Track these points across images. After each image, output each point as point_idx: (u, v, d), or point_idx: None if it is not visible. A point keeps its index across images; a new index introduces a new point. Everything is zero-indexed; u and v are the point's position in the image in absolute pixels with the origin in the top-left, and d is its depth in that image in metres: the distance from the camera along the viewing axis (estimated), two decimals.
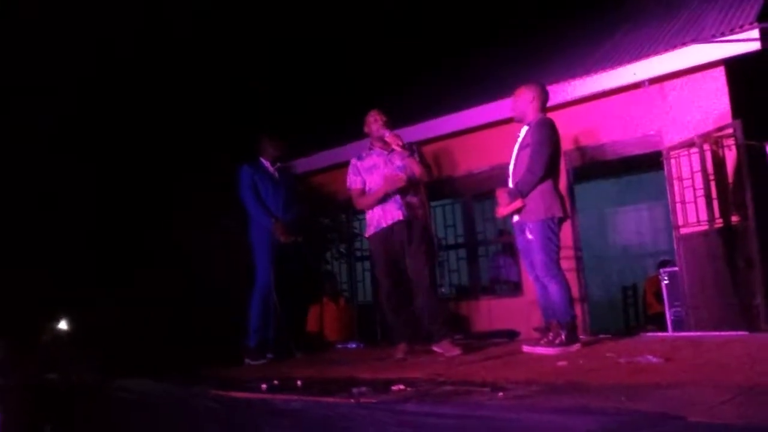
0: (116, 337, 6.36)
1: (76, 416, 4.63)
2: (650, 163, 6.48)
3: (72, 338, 6.60)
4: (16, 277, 7.05)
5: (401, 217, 4.62)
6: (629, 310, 8.60)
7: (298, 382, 3.56)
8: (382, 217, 4.71)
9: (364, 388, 3.16)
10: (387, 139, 4.70)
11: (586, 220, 8.32)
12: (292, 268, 5.57)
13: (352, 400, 2.93)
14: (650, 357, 3.31)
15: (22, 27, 8.00)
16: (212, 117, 9.64)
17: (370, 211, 4.81)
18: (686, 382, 2.68)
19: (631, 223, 9.66)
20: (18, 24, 7.89)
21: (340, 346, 6.32)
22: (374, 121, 4.84)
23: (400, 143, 4.63)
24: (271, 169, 5.64)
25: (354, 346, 6.16)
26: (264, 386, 3.48)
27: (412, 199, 4.68)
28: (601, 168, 7.59)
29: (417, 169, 4.65)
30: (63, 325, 6.37)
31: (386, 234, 4.68)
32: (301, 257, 5.69)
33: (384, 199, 4.68)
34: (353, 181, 4.89)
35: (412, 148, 4.77)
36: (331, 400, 3.02)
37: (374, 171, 4.79)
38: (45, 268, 7.37)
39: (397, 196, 4.66)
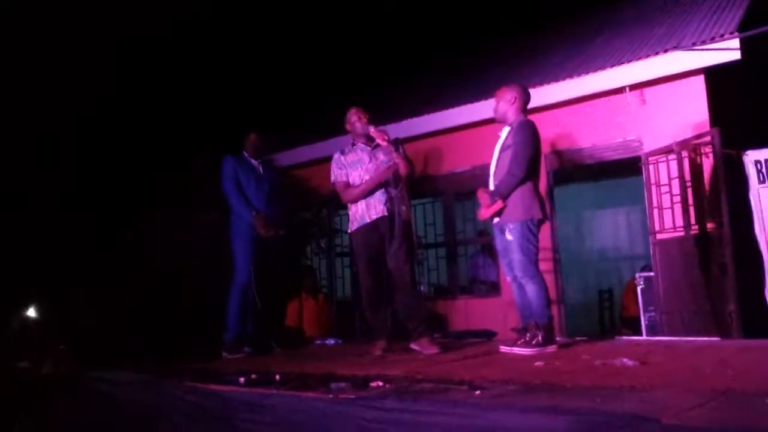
0: (88, 326, 6.30)
1: (48, 406, 4.58)
2: (629, 168, 6.56)
3: (42, 326, 6.51)
4: None
5: (385, 213, 4.64)
6: (605, 314, 8.69)
7: (277, 377, 3.56)
8: (365, 212, 4.72)
9: (342, 384, 3.17)
10: (373, 134, 4.70)
11: (565, 223, 8.41)
12: (271, 263, 5.55)
13: (331, 396, 2.94)
14: (625, 360, 3.36)
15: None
16: (192, 111, 9.58)
17: (353, 207, 4.81)
18: (660, 386, 2.72)
19: (608, 227, 9.75)
20: None
21: (318, 341, 6.31)
22: (357, 119, 4.85)
23: (386, 138, 4.65)
24: (254, 162, 5.62)
25: (332, 342, 6.15)
26: (242, 380, 3.48)
27: (396, 195, 4.69)
28: (580, 171, 7.67)
29: (402, 165, 4.66)
30: (32, 312, 6.27)
31: (369, 230, 4.69)
32: (281, 252, 5.67)
33: (370, 193, 4.69)
34: (338, 174, 4.88)
35: (397, 144, 4.79)
36: (309, 394, 3.03)
37: (359, 166, 4.80)
38: (14, 254, 7.27)
39: (382, 191, 4.67)
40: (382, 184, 4.67)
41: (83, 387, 4.29)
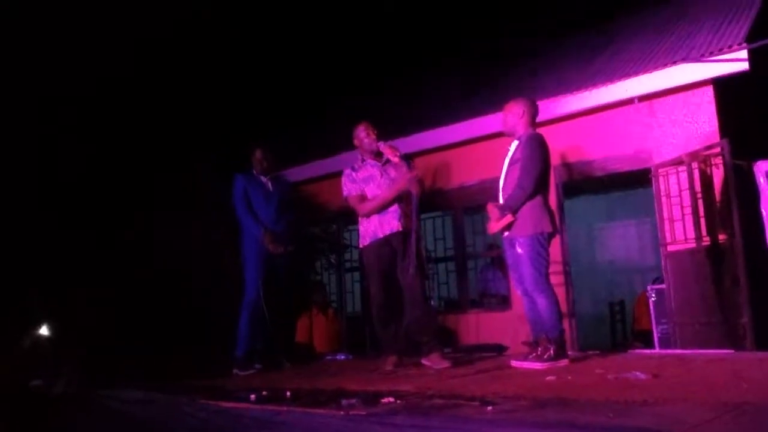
0: (100, 345, 6.31)
1: (61, 425, 4.59)
2: (639, 179, 6.54)
3: (54, 344, 6.54)
4: None
5: (400, 228, 4.63)
6: (617, 327, 8.63)
7: (287, 393, 3.55)
8: (378, 227, 4.71)
9: (353, 400, 3.16)
10: (383, 150, 4.71)
11: (575, 235, 8.37)
12: (281, 279, 5.57)
13: (342, 412, 2.92)
14: (638, 374, 3.33)
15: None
16: (193, 112, 9.57)
17: (366, 222, 4.80)
18: (674, 399, 2.69)
19: (619, 240, 9.70)
20: None
21: (328, 357, 6.30)
22: (366, 135, 4.85)
23: (398, 154, 4.65)
24: (263, 179, 5.66)
25: (343, 357, 6.15)
26: (253, 397, 3.47)
27: (408, 211, 4.69)
28: (590, 184, 7.65)
29: (418, 184, 4.66)
30: (44, 330, 6.30)
31: (382, 245, 4.68)
32: (290, 267, 5.68)
33: (386, 206, 4.68)
34: (351, 188, 4.86)
35: (408, 159, 4.79)
36: (320, 411, 3.02)
37: (370, 182, 4.79)
38: (26, 272, 7.30)
39: (396, 206, 4.67)
40: (399, 198, 4.67)
41: (95, 405, 4.29)
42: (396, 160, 4.64)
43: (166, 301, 7.16)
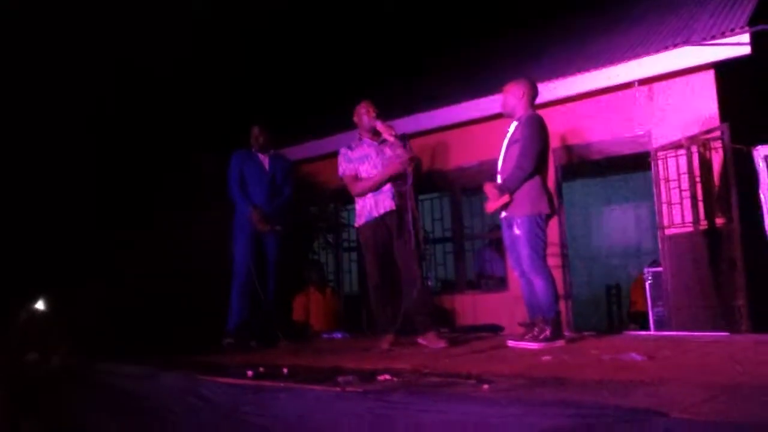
0: (93, 318, 6.34)
1: (55, 398, 4.61)
2: (637, 163, 6.53)
3: (49, 318, 6.56)
4: None
5: (393, 207, 4.64)
6: (613, 309, 8.66)
7: (284, 370, 3.57)
8: (374, 207, 4.72)
9: (350, 377, 3.17)
10: (379, 129, 4.70)
11: (572, 218, 8.38)
12: (270, 257, 5.62)
13: (338, 389, 2.94)
14: (634, 355, 3.35)
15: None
16: (200, 103, 9.56)
17: (361, 201, 4.81)
18: (669, 380, 2.71)
19: (616, 223, 9.72)
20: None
21: (325, 335, 6.32)
22: (365, 112, 4.85)
23: (393, 133, 4.64)
24: (260, 157, 5.67)
25: (339, 336, 6.16)
26: (250, 373, 3.48)
27: (403, 190, 4.69)
28: (589, 167, 7.64)
29: (410, 164, 4.64)
30: (40, 304, 6.31)
31: (377, 224, 4.69)
32: (280, 246, 5.69)
33: (379, 186, 4.68)
34: (346, 168, 4.88)
35: (404, 140, 4.78)
36: (316, 387, 3.03)
37: (366, 161, 4.79)
38: (22, 246, 7.32)
39: (390, 186, 4.67)
40: (393, 178, 4.66)
41: (90, 379, 4.31)
42: (391, 139, 4.63)
43: (164, 280, 7.17)
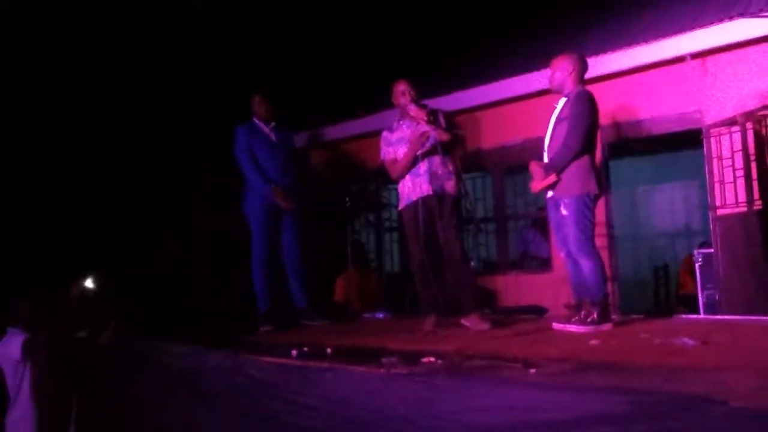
0: (141, 297, 6.47)
1: (105, 375, 4.71)
2: (687, 141, 6.32)
3: (100, 297, 6.73)
4: (44, 234, 7.20)
5: (430, 192, 4.58)
6: (660, 291, 8.47)
7: (328, 350, 3.57)
8: (411, 190, 4.68)
9: (393, 359, 3.15)
10: (412, 114, 4.65)
11: (619, 198, 8.19)
12: (293, 235, 5.47)
13: (382, 370, 2.92)
14: (686, 339, 3.25)
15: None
16: (235, 86, 9.55)
17: (401, 184, 4.78)
18: (725, 366, 2.62)
19: (664, 203, 9.48)
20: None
21: (367, 316, 6.32)
22: (401, 94, 4.77)
23: (425, 117, 4.56)
24: (266, 129, 5.47)
25: (381, 316, 6.15)
26: (294, 352, 3.50)
27: (442, 171, 4.62)
28: (636, 144, 7.43)
29: (445, 136, 4.58)
30: (90, 283, 6.46)
31: (417, 207, 4.64)
32: (299, 222, 5.52)
33: (414, 166, 4.62)
34: (386, 152, 4.86)
35: (437, 117, 4.68)
36: (361, 368, 3.02)
37: (404, 144, 4.74)
38: (73, 226, 7.50)
39: (426, 167, 4.59)
40: (425, 155, 4.59)
41: (139, 356, 4.38)
42: (423, 123, 4.56)
43: (203, 263, 7.29)
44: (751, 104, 5.44)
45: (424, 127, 4.61)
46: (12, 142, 7.41)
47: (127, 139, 8.45)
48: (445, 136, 4.57)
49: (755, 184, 5.37)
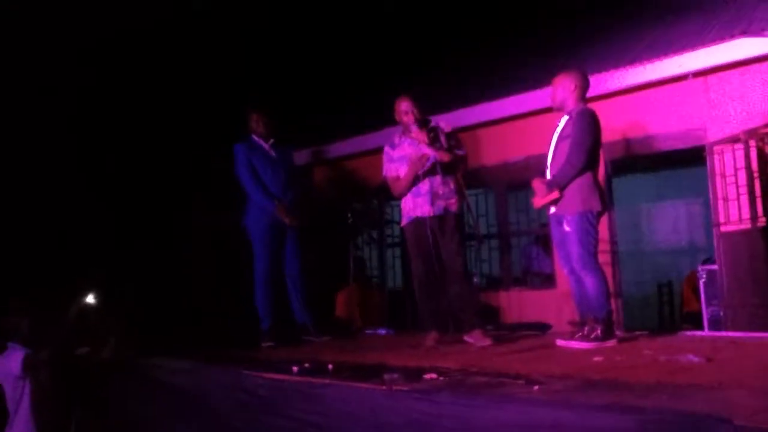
0: (142, 313, 6.46)
1: (106, 391, 4.68)
2: (690, 158, 6.31)
3: (100, 313, 6.72)
4: (45, 251, 7.19)
5: (432, 213, 4.57)
6: (664, 308, 8.43)
7: (329, 366, 3.55)
8: (412, 209, 4.68)
9: (395, 375, 3.13)
10: (413, 136, 4.67)
11: (623, 214, 8.17)
12: (296, 251, 5.46)
13: (384, 387, 2.90)
14: (691, 356, 3.22)
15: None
16: (236, 102, 9.57)
17: (403, 201, 4.78)
18: (730, 384, 2.59)
19: (667, 219, 9.46)
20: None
21: (369, 332, 6.29)
22: (405, 114, 4.76)
23: (426, 141, 4.58)
24: (265, 146, 5.47)
25: (384, 332, 6.13)
26: (295, 369, 3.48)
27: (444, 190, 4.62)
28: (639, 161, 7.43)
29: (446, 157, 4.57)
30: (90, 299, 6.46)
31: (419, 225, 4.63)
32: (302, 239, 5.51)
33: (414, 184, 4.62)
34: (388, 168, 4.85)
35: (438, 136, 4.68)
36: (362, 385, 3.00)
37: (405, 162, 4.73)
38: (73, 242, 7.49)
39: (427, 187, 4.59)
40: (426, 174, 4.59)
41: (140, 373, 4.37)
42: (425, 145, 4.59)
43: (203, 277, 7.26)
44: (754, 122, 5.44)
45: (425, 149, 4.61)
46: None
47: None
48: (445, 157, 4.57)
49: (759, 200, 5.37)
